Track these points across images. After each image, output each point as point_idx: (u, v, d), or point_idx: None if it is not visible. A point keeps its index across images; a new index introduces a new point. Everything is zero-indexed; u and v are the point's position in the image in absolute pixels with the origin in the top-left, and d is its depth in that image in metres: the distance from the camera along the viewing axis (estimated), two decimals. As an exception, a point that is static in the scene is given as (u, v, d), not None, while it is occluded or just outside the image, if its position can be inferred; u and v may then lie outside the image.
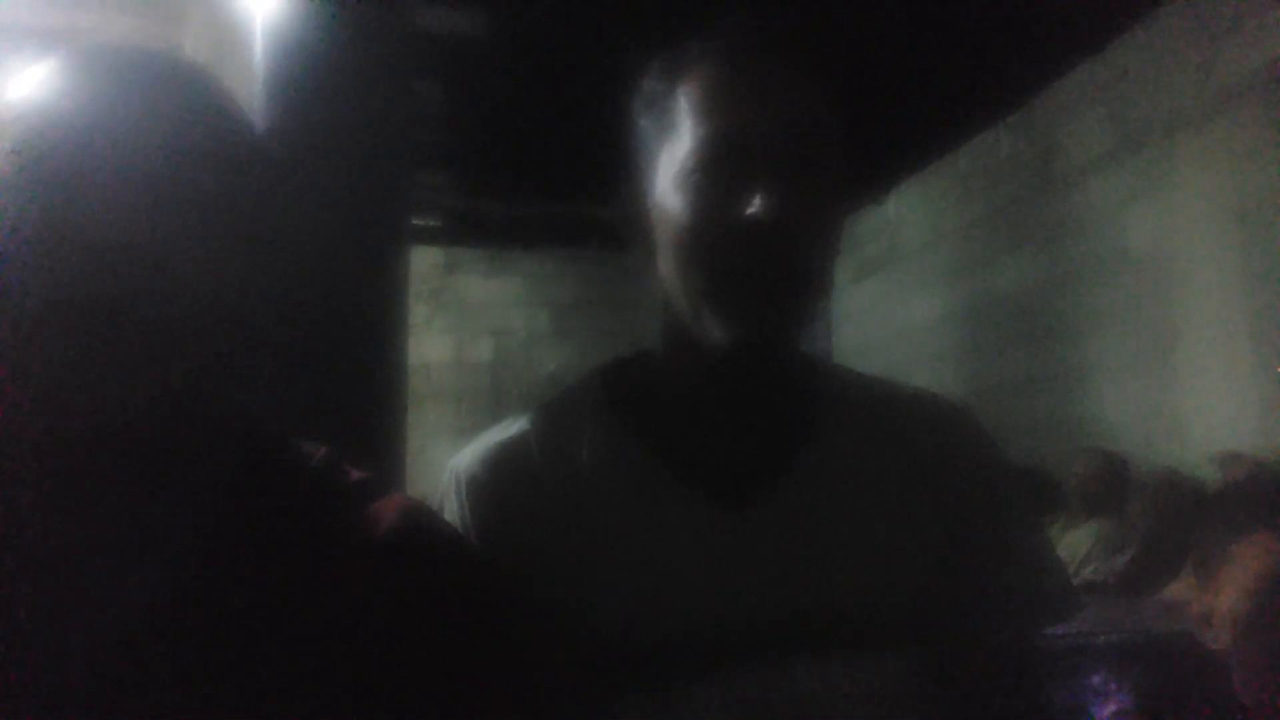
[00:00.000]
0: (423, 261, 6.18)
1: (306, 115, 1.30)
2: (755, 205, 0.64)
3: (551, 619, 0.67)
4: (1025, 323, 4.42)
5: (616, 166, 0.76)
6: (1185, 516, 2.59)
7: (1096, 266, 3.95)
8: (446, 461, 0.78)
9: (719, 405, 0.73)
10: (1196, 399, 3.46)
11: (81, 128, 0.52)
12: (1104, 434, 3.73)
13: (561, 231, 5.95)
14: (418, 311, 6.08)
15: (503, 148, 4.69)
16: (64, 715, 0.50)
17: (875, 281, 5.89)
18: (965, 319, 4.93)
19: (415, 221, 5.64)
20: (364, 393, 1.33)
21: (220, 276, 0.54)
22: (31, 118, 0.53)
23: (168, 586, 0.53)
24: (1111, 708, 1.62)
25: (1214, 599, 1.05)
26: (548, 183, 5.14)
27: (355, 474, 0.64)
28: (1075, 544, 3.35)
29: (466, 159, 4.80)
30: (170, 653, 0.52)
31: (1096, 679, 1.67)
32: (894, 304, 5.67)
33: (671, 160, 0.69)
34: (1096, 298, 3.95)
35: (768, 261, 0.65)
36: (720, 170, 0.66)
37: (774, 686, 0.65)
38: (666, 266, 0.71)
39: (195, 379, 0.54)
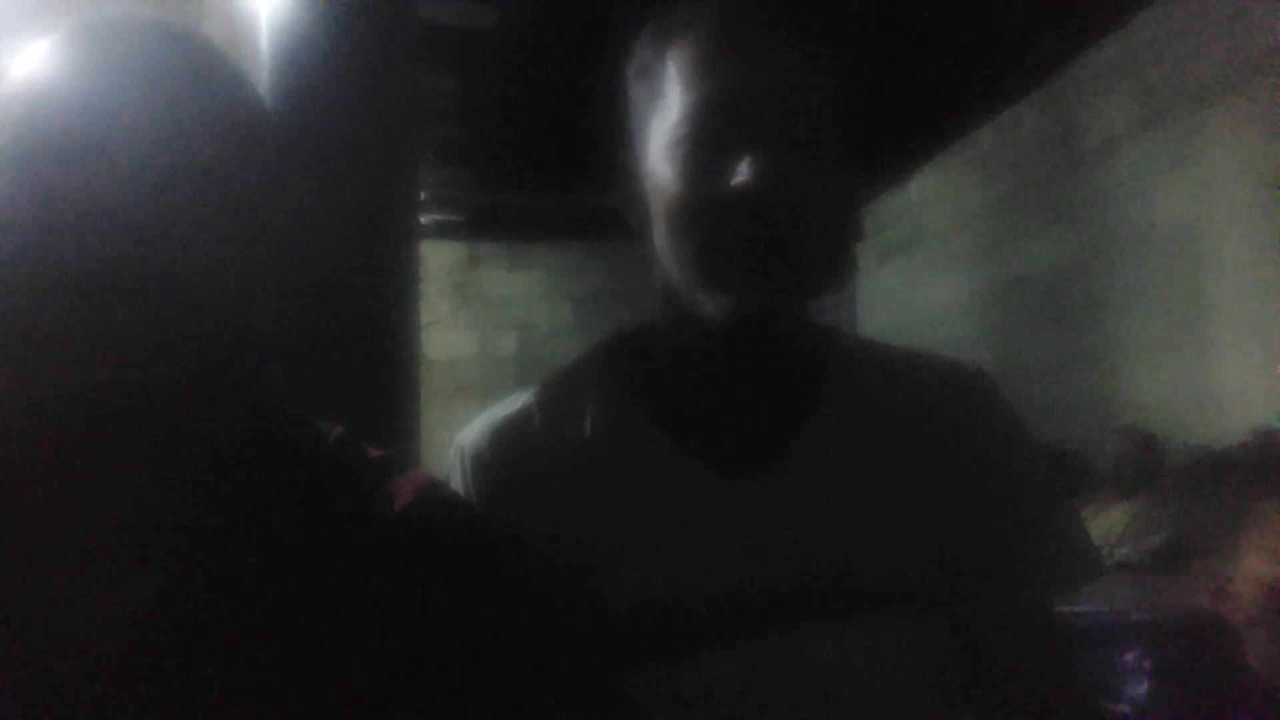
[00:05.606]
0: (447, 257, 6.20)
1: (314, 108, 1.31)
2: (742, 173, 0.62)
3: (563, 592, 0.66)
4: (1054, 302, 4.35)
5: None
6: (1219, 495, 2.54)
7: (1125, 243, 3.88)
8: None
9: (720, 376, 0.72)
10: (1231, 376, 3.39)
11: (85, 101, 0.52)
12: (1137, 414, 3.66)
13: (582, 223, 5.95)
14: (442, 307, 6.10)
15: (521, 140, 4.69)
16: (86, 697, 0.50)
17: (899, 265, 5.83)
18: (992, 300, 4.87)
19: (438, 217, 5.67)
20: (375, 384, 1.33)
21: (226, 251, 0.53)
22: (35, 92, 0.52)
23: (186, 565, 0.53)
24: (1144, 686, 1.59)
25: (1232, 568, 1.02)
26: (567, 175, 5.14)
27: (373, 451, 0.64)
28: (1109, 526, 3.30)
29: (486, 153, 4.81)
30: (189, 631, 0.52)
31: (1129, 658, 1.64)
32: (919, 287, 5.61)
33: (661, 129, 0.68)
34: (1126, 275, 3.88)
35: (757, 231, 0.63)
36: (707, 138, 0.64)
37: (786, 656, 0.65)
38: (660, 239, 0.70)
39: (204, 356, 0.53)
